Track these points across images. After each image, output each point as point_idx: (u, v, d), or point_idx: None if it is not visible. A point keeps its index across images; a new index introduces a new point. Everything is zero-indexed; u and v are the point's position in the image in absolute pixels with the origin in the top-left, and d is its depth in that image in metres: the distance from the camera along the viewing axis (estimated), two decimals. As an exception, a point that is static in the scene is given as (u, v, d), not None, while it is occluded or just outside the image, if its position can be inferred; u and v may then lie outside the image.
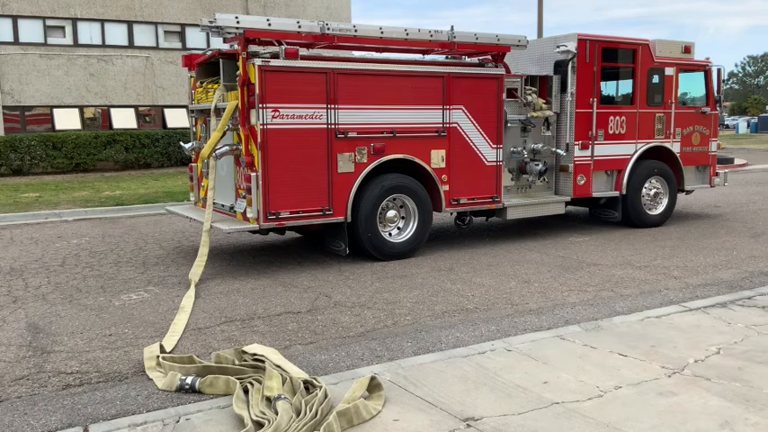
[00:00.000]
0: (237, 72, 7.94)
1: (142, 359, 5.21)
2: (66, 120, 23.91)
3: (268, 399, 4.18)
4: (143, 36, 25.30)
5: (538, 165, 9.95)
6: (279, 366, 4.67)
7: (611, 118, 10.58)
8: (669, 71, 11.07)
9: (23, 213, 13.28)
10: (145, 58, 25.24)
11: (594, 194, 10.61)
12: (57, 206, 14.17)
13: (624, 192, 10.80)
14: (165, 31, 25.79)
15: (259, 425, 3.88)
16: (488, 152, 9.46)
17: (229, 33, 7.79)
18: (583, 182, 10.38)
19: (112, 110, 24.82)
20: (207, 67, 8.98)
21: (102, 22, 24.55)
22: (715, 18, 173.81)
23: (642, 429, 3.84)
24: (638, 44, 10.72)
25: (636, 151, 10.85)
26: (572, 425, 3.90)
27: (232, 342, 5.66)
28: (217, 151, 8.20)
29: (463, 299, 6.97)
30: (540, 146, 10.05)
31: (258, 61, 7.69)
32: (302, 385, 4.31)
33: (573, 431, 3.84)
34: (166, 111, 25.71)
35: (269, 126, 7.81)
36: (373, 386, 4.29)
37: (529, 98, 10.01)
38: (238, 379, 4.49)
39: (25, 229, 11.93)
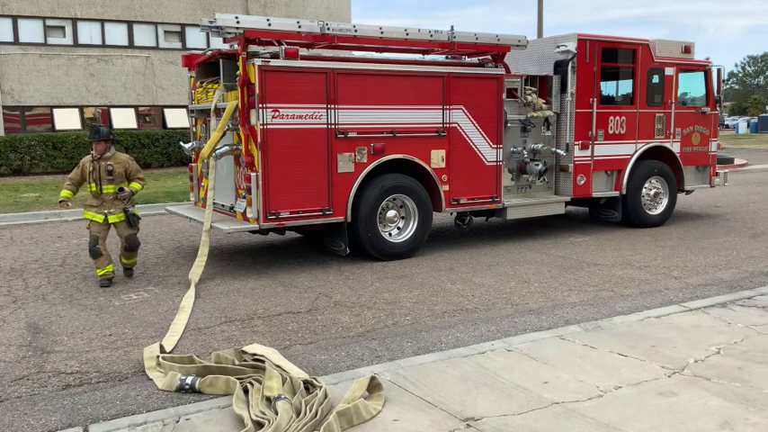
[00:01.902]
0: (237, 72, 7.94)
1: (142, 359, 5.21)
2: (66, 120, 23.88)
3: (268, 399, 4.18)
4: (143, 36, 25.28)
5: (538, 165, 9.95)
6: (279, 366, 4.67)
7: (611, 118, 10.58)
8: (669, 71, 11.07)
9: (23, 213, 13.28)
10: (145, 58, 25.23)
11: (594, 194, 10.61)
12: (57, 206, 14.15)
13: (624, 192, 10.80)
14: (165, 31, 25.77)
15: (259, 425, 3.88)
16: (488, 152, 9.46)
17: (229, 33, 7.79)
18: (583, 182, 10.38)
19: (112, 110, 24.80)
20: (207, 67, 8.98)
21: (102, 22, 24.53)
22: (715, 18, 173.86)
23: (642, 429, 3.84)
24: (638, 44, 10.73)
25: (636, 151, 10.85)
26: (572, 425, 3.90)
27: (232, 342, 5.67)
28: (217, 151, 8.19)
29: (463, 299, 6.97)
30: (540, 146, 10.05)
31: (258, 61, 7.69)
32: (302, 385, 4.31)
33: (573, 431, 3.84)
34: (166, 111, 25.69)
35: (269, 126, 7.81)
36: (373, 386, 4.30)
37: (529, 98, 10.01)
38: (238, 379, 4.49)
39: (25, 229, 11.93)
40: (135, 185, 7.82)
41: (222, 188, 8.70)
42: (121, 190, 7.65)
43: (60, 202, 7.70)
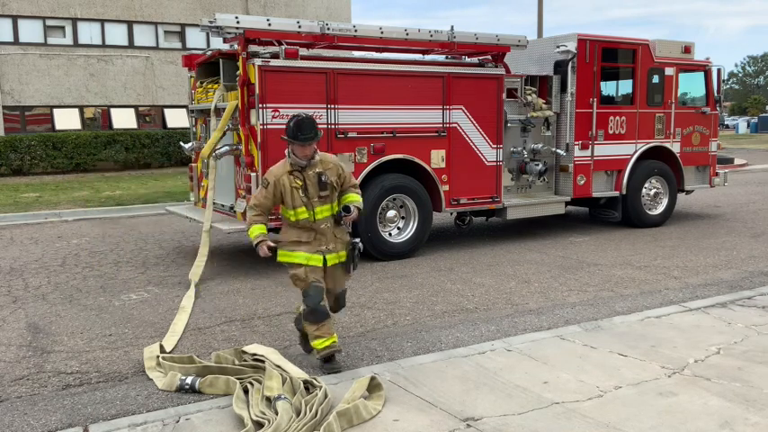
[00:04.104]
0: (237, 72, 7.94)
1: (142, 359, 5.21)
2: (66, 120, 23.88)
3: (268, 399, 4.18)
4: (143, 36, 25.28)
5: (538, 165, 9.95)
6: (279, 366, 4.66)
7: (611, 118, 10.57)
8: (669, 71, 11.07)
9: (23, 213, 13.28)
10: (145, 58, 25.22)
11: (594, 194, 10.61)
12: (57, 206, 14.17)
13: (624, 192, 10.79)
14: (165, 31, 25.77)
15: (259, 425, 3.88)
16: (488, 152, 9.46)
17: (229, 33, 7.80)
18: (583, 182, 10.38)
19: (112, 110, 24.79)
20: (207, 67, 8.98)
21: (102, 22, 24.53)
22: (715, 18, 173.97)
23: (642, 429, 3.84)
24: (638, 44, 10.72)
25: (636, 151, 10.85)
26: (572, 425, 3.90)
27: (232, 342, 5.66)
28: (217, 151, 8.20)
29: (463, 299, 6.97)
30: (540, 146, 10.05)
31: (258, 61, 7.69)
32: (302, 385, 4.31)
33: (573, 431, 3.84)
34: (166, 111, 25.69)
35: (269, 126, 7.81)
36: (373, 386, 4.29)
37: (529, 98, 10.01)
38: (238, 379, 4.49)
39: (25, 229, 11.92)
40: (354, 198, 5.03)
41: (222, 188, 8.70)
42: (346, 210, 4.90)
43: (258, 243, 4.85)
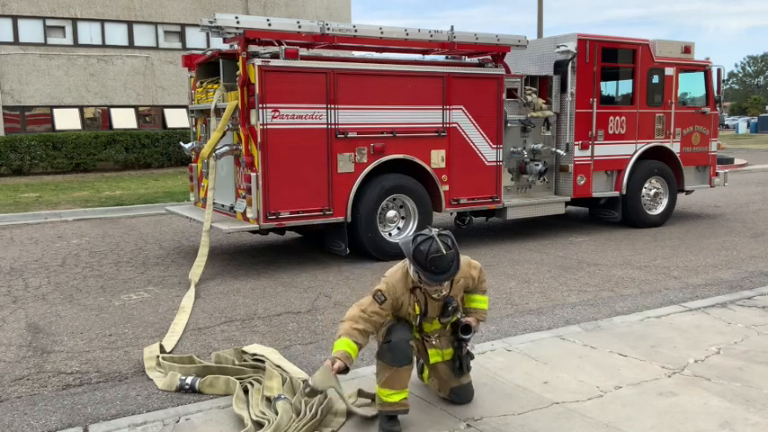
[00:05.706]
0: (237, 72, 7.94)
1: (142, 359, 5.20)
2: (67, 120, 23.88)
3: (268, 399, 4.18)
4: (143, 36, 25.28)
5: (538, 165, 9.94)
6: (279, 366, 4.67)
7: (611, 118, 10.57)
8: (669, 71, 11.06)
9: (23, 213, 13.28)
10: (145, 58, 25.23)
11: (594, 194, 10.60)
12: (57, 206, 14.17)
13: (624, 192, 10.79)
14: (165, 31, 25.78)
15: (259, 425, 3.88)
16: (488, 152, 9.46)
17: (229, 33, 7.79)
18: (583, 182, 10.38)
19: (112, 110, 24.80)
20: (207, 67, 8.98)
21: (102, 22, 24.53)
22: (715, 18, 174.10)
23: (642, 429, 3.84)
24: (638, 44, 10.72)
25: (636, 151, 10.85)
26: (572, 425, 3.90)
27: (232, 342, 5.66)
28: (217, 151, 8.20)
29: (463, 299, 6.96)
30: (540, 146, 10.05)
31: (258, 61, 7.69)
32: (302, 385, 4.30)
33: (573, 431, 3.84)
34: (166, 111, 25.69)
35: (269, 126, 7.81)
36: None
37: (529, 98, 10.01)
38: (238, 379, 4.49)
39: (25, 229, 11.92)
40: (479, 304, 4.26)
41: (222, 188, 8.70)
42: (466, 329, 4.05)
43: (334, 358, 3.70)
